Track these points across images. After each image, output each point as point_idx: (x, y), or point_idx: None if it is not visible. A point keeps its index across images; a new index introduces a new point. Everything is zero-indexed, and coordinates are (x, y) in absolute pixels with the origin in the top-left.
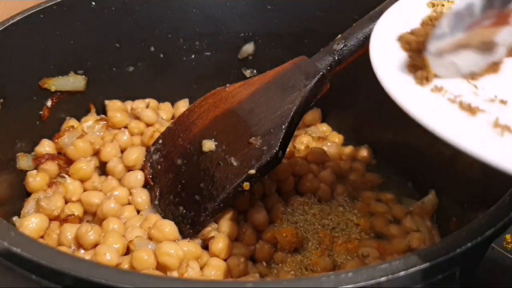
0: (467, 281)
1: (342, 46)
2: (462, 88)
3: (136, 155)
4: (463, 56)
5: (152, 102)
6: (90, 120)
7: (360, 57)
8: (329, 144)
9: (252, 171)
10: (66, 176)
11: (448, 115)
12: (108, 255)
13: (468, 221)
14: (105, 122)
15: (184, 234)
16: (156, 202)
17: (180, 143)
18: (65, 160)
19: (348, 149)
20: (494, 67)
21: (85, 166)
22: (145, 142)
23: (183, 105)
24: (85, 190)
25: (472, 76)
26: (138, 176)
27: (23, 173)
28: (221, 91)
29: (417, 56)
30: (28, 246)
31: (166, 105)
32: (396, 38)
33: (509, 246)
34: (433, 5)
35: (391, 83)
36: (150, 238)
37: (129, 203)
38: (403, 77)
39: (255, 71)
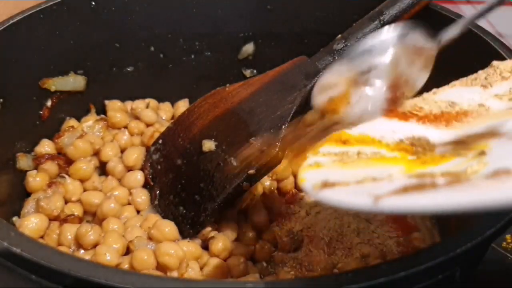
0: (467, 281)
1: (342, 46)
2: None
3: (136, 155)
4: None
5: (152, 102)
6: (90, 120)
7: None
8: None
9: (252, 171)
10: (66, 176)
11: None
12: (108, 255)
13: (468, 221)
14: (105, 122)
15: (184, 234)
16: (156, 202)
17: (180, 143)
18: (65, 160)
19: None
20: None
21: (85, 166)
22: (145, 142)
23: (183, 105)
24: (85, 190)
25: None
26: (138, 176)
27: (23, 173)
28: (221, 91)
29: None
30: (28, 246)
31: (166, 105)
32: None
33: (509, 246)
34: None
35: None
36: (150, 238)
37: (129, 203)
38: None
39: (255, 71)
